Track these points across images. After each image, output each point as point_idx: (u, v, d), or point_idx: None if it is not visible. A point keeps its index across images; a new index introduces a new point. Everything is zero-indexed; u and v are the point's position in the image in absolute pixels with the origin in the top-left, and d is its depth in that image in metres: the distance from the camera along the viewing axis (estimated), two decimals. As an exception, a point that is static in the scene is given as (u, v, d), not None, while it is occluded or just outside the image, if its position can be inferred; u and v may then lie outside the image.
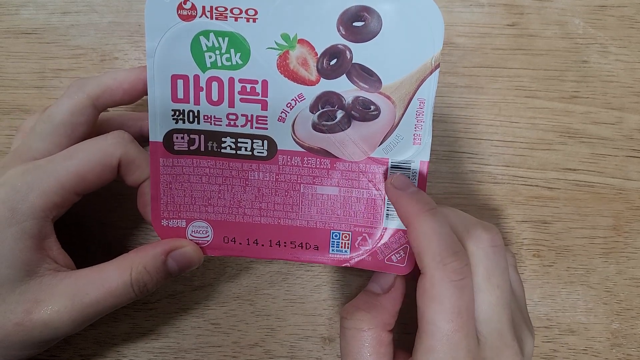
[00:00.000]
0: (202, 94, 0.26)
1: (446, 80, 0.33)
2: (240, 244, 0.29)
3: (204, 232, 0.29)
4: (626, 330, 0.33)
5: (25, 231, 0.24)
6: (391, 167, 0.27)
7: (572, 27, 0.33)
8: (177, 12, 0.25)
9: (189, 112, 0.27)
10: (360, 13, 0.25)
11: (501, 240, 0.25)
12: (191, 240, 0.28)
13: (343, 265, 0.29)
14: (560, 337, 0.33)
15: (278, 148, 0.27)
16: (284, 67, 0.26)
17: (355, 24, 0.25)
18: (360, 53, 0.26)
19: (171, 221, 0.28)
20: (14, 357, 0.25)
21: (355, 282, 0.33)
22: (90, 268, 0.25)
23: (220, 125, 0.27)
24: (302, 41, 0.25)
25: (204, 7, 0.25)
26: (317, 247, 0.29)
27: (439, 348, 0.23)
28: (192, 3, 0.25)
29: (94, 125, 0.28)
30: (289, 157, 0.27)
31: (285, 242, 0.29)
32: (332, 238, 0.28)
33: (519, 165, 0.33)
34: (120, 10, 0.33)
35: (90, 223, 0.33)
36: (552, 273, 0.33)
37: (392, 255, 0.28)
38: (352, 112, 0.26)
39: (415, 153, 0.27)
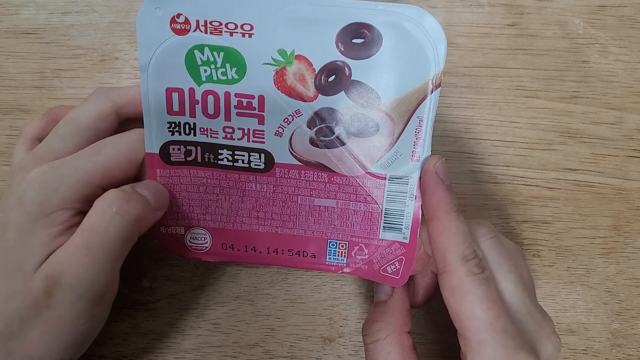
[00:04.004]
0: (198, 107, 0.26)
1: (446, 80, 0.33)
2: (238, 250, 0.29)
3: (203, 238, 0.29)
4: (626, 331, 0.33)
5: (54, 219, 0.24)
6: (389, 183, 0.27)
7: (572, 27, 0.33)
8: (170, 25, 0.25)
9: (185, 124, 0.26)
10: (360, 30, 0.25)
11: (495, 230, 0.26)
12: (190, 246, 0.29)
13: (339, 273, 0.29)
14: (561, 337, 0.33)
15: (275, 161, 0.27)
16: (281, 82, 0.25)
17: (354, 40, 0.25)
18: (360, 70, 0.25)
19: (170, 228, 0.28)
20: (65, 348, 0.25)
21: (355, 282, 0.33)
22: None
23: (217, 137, 0.27)
24: (299, 57, 0.25)
25: (197, 22, 0.25)
26: (314, 255, 0.29)
27: (488, 339, 0.23)
28: (185, 17, 0.24)
29: (113, 133, 0.28)
30: (286, 170, 0.27)
31: (282, 250, 0.29)
32: (329, 247, 0.28)
33: (519, 165, 0.33)
34: (120, 10, 0.33)
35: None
36: (552, 273, 0.33)
37: (387, 266, 0.28)
38: (350, 128, 0.26)
39: (413, 169, 0.26)
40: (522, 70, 0.33)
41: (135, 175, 0.27)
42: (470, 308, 0.23)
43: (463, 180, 0.33)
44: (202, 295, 0.33)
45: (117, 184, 0.26)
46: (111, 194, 0.25)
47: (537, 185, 0.33)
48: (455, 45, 0.33)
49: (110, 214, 0.24)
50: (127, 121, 0.28)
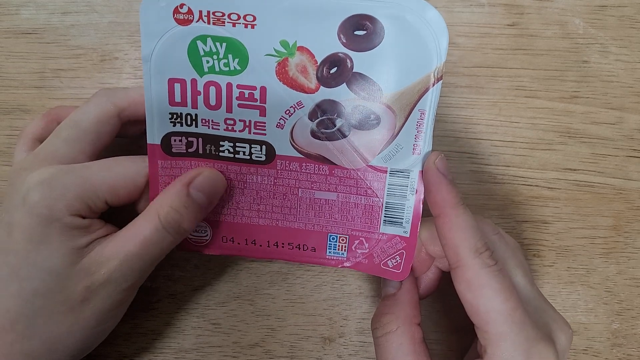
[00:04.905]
0: (200, 98, 0.26)
1: (446, 80, 0.33)
2: (238, 243, 0.29)
3: (203, 231, 0.29)
4: (626, 330, 0.33)
5: (66, 224, 0.25)
6: (390, 176, 0.27)
7: (572, 27, 0.33)
8: (174, 16, 0.25)
9: (186, 115, 0.26)
10: (362, 22, 0.25)
11: (497, 227, 0.27)
12: (190, 238, 0.29)
13: (339, 267, 0.29)
14: (561, 337, 0.33)
15: (276, 153, 0.27)
16: (282, 74, 0.26)
17: (356, 32, 0.25)
18: (361, 62, 0.25)
19: None
20: (92, 335, 0.26)
21: (355, 282, 0.33)
22: (126, 227, 0.26)
23: (218, 129, 0.27)
24: (301, 48, 0.25)
25: (200, 12, 0.25)
26: (314, 249, 0.29)
27: (508, 331, 0.22)
28: (188, 7, 0.25)
29: (115, 136, 0.28)
30: (287, 162, 0.27)
31: (282, 244, 0.29)
32: (330, 240, 0.28)
33: (519, 165, 0.33)
34: (120, 10, 0.33)
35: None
36: (552, 273, 0.33)
37: (388, 260, 0.28)
38: (352, 120, 0.26)
39: (415, 163, 0.26)
40: (522, 70, 0.33)
41: (139, 196, 0.27)
42: (487, 301, 0.23)
43: (463, 180, 0.33)
44: (202, 295, 0.33)
45: (121, 202, 0.26)
46: (165, 212, 0.25)
47: (537, 185, 0.33)
48: (455, 45, 0.33)
49: (165, 234, 0.25)
50: (129, 123, 0.28)
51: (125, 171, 0.26)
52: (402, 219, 0.27)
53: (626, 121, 0.33)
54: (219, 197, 0.27)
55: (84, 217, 0.25)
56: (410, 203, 0.27)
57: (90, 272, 0.25)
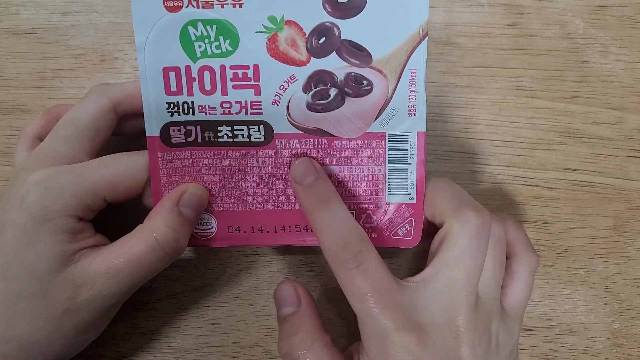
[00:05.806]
0: (195, 85, 0.26)
1: (446, 80, 0.33)
2: (245, 232, 0.29)
3: (208, 223, 0.28)
4: (626, 331, 0.33)
5: (58, 226, 0.24)
6: (389, 140, 0.27)
7: (572, 27, 0.33)
8: (164, 3, 0.25)
9: (183, 103, 0.27)
10: None
11: (489, 225, 0.25)
12: (195, 233, 0.28)
13: None
14: (561, 337, 0.33)
15: (275, 132, 0.27)
16: (273, 49, 0.26)
17: (340, 0, 0.25)
18: (348, 29, 0.26)
19: None
20: (73, 344, 0.26)
21: (355, 282, 0.33)
22: (117, 242, 0.26)
23: (215, 114, 0.27)
24: (289, 22, 0.26)
25: None
26: None
27: (365, 329, 0.24)
28: None
29: (113, 131, 0.28)
30: (286, 140, 0.27)
31: (290, 227, 0.28)
32: None
33: (519, 165, 0.33)
34: (120, 10, 0.33)
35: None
36: (552, 273, 0.33)
37: (397, 229, 0.28)
38: (345, 88, 0.27)
39: (412, 124, 0.27)
40: (522, 70, 0.33)
41: (140, 192, 0.27)
42: (350, 299, 0.24)
43: (463, 180, 0.33)
44: (202, 295, 0.33)
45: (120, 198, 0.26)
46: (162, 233, 0.25)
47: (537, 185, 0.33)
48: (455, 45, 0.33)
49: (161, 254, 0.25)
50: (126, 117, 0.28)
51: (123, 166, 0.26)
52: (407, 184, 0.27)
53: (626, 121, 0.33)
54: (202, 212, 0.28)
55: (79, 219, 0.25)
56: (413, 167, 0.27)
57: (76, 283, 0.24)
